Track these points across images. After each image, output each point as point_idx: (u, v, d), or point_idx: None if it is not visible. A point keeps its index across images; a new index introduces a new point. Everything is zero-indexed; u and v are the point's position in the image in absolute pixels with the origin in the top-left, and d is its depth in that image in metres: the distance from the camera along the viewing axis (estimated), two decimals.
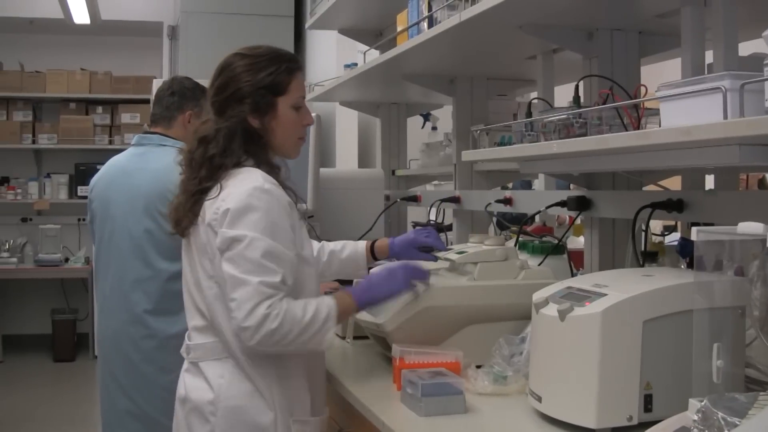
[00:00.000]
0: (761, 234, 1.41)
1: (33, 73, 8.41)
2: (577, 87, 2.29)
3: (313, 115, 3.76)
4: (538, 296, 1.98)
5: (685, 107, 1.71)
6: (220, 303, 2.16)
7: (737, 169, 2.51)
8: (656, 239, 2.95)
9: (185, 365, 2.33)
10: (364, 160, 5.48)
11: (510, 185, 4.02)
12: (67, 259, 8.20)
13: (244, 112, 2.23)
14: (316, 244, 2.64)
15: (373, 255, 2.67)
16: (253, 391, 2.15)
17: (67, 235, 8.37)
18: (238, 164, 2.21)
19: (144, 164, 3.22)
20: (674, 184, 2.55)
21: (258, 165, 2.23)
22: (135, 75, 8.49)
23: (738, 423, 1.30)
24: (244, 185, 2.13)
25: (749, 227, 1.45)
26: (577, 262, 2.98)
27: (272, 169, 2.24)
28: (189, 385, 2.27)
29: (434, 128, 4.67)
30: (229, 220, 2.10)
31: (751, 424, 1.24)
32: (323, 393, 2.34)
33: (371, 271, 2.51)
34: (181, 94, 3.29)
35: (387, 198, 4.39)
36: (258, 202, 2.11)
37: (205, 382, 2.20)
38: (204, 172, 2.21)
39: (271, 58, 2.29)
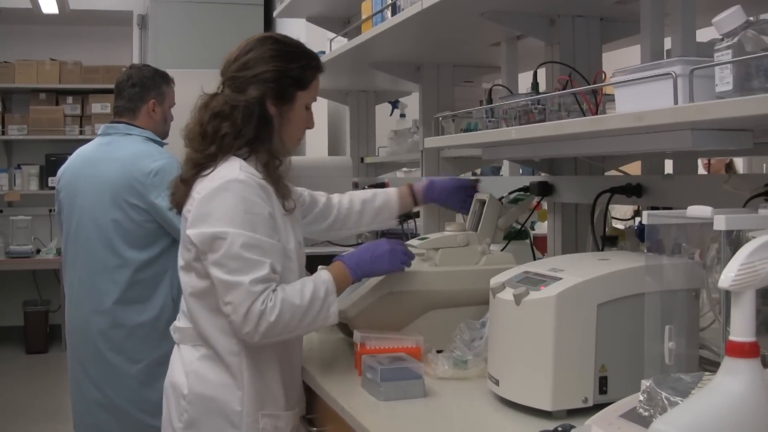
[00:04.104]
0: (709, 217, 1.42)
1: (2, 63, 8.35)
2: (535, 73, 2.30)
3: None
4: (495, 281, 1.99)
5: (639, 93, 1.72)
6: (193, 297, 2.18)
7: (694, 154, 2.54)
8: (622, 223, 2.98)
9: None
10: (334, 148, 5.48)
11: (479, 171, 4.04)
12: (38, 251, 8.16)
13: (265, 94, 2.20)
14: (345, 196, 2.69)
15: (415, 200, 2.72)
16: (225, 382, 2.16)
17: (38, 226, 8.33)
18: (240, 148, 2.19)
19: (110, 154, 3.22)
20: (636, 169, 2.57)
21: (253, 153, 2.20)
22: (105, 65, 8.43)
23: (680, 402, 1.33)
24: (219, 177, 2.12)
25: (698, 211, 1.47)
26: (542, 247, 3.01)
27: (271, 159, 2.22)
28: (172, 367, 2.29)
29: (402, 115, 4.68)
30: (204, 214, 2.10)
31: (683, 405, 1.26)
32: (299, 387, 2.35)
33: (365, 244, 2.47)
34: (142, 84, 3.29)
35: (356, 185, 4.39)
36: (232, 195, 2.08)
37: (182, 368, 2.21)
38: (213, 149, 2.18)
39: (302, 51, 2.30)
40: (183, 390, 2.19)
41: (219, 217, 2.08)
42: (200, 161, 2.19)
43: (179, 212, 2.26)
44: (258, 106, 2.19)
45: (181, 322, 2.28)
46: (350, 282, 2.28)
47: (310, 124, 2.34)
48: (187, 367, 2.20)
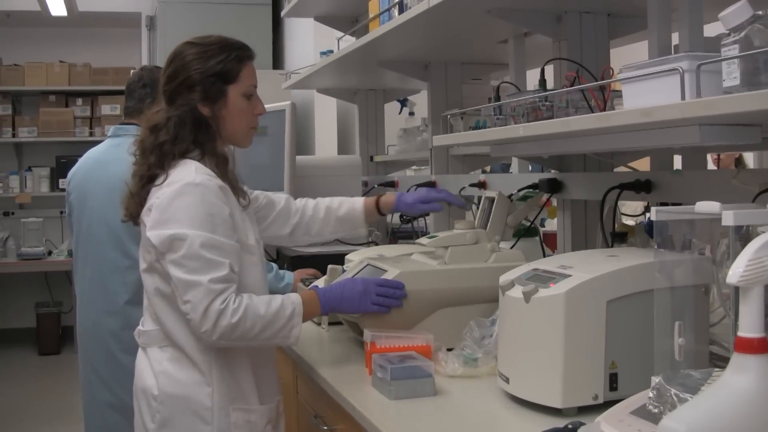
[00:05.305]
0: (718, 213, 1.42)
1: (11, 66, 8.38)
2: (543, 70, 2.30)
3: (287, 103, 3.79)
4: (504, 278, 1.99)
5: (646, 89, 1.72)
6: (158, 297, 2.20)
7: (703, 149, 2.53)
8: (632, 219, 2.98)
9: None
10: (343, 147, 5.49)
11: (488, 169, 4.04)
12: (50, 252, 8.18)
13: (194, 100, 2.24)
14: (310, 201, 2.69)
15: (379, 210, 2.71)
16: (194, 380, 2.17)
17: (49, 228, 8.35)
18: (186, 152, 2.22)
19: (120, 155, 3.20)
20: (645, 165, 2.56)
21: (204, 155, 2.24)
22: (114, 66, 8.46)
23: (690, 399, 1.32)
24: (177, 181, 2.15)
25: (707, 206, 1.47)
26: (552, 244, 3.00)
27: (219, 160, 2.26)
28: (139, 370, 2.31)
29: (411, 114, 4.68)
30: (163, 218, 2.12)
31: (692, 402, 1.26)
32: (274, 380, 2.35)
33: (343, 279, 2.50)
34: (152, 85, 3.29)
35: (365, 184, 4.40)
36: (191, 198, 2.11)
37: (150, 370, 2.23)
38: (153, 158, 2.22)
39: (221, 46, 2.30)
40: (153, 391, 2.20)
41: (178, 220, 2.10)
42: (144, 173, 2.23)
43: (136, 223, 2.29)
44: (190, 111, 2.24)
45: (145, 325, 2.29)
46: (318, 313, 2.32)
47: (258, 111, 2.35)
48: (155, 369, 2.21)
